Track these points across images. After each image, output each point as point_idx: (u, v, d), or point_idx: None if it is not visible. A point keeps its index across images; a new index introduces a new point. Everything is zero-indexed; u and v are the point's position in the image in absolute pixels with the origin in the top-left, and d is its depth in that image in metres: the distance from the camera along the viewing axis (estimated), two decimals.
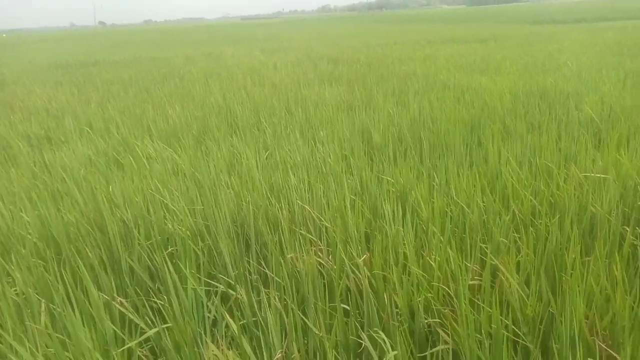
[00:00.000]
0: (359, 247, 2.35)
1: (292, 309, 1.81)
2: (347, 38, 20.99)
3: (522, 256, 2.09)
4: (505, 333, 1.67)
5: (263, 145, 4.27)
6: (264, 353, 1.77)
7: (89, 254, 2.41)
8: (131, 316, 2.00)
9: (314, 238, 2.48)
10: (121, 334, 1.91)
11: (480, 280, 1.94)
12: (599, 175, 2.84)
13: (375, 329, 1.82)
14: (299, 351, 1.73)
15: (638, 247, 2.19)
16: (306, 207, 2.71)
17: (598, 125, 4.31)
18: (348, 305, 1.98)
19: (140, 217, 2.70)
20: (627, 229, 2.31)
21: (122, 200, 2.96)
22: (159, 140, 4.60)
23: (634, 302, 1.80)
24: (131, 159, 4.02)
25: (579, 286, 1.72)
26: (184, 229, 2.55)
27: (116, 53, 18.74)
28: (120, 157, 4.23)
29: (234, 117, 5.46)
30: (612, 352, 1.53)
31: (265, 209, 2.78)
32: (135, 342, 1.80)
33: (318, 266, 2.24)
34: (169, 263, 2.07)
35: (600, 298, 1.81)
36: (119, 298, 2.09)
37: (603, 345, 1.53)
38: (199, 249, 2.39)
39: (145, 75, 10.30)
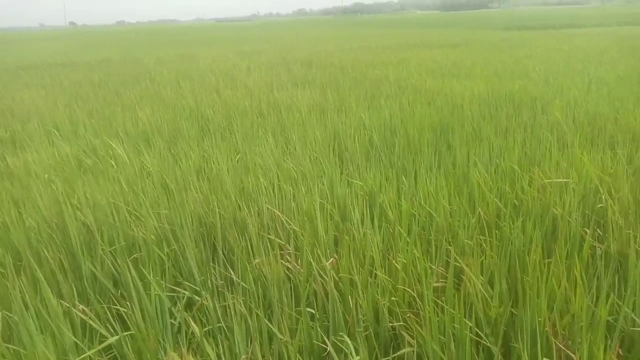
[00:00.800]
0: (327, 251, 2.35)
1: (256, 314, 1.80)
2: (321, 42, 21.06)
3: (485, 258, 2.12)
4: (469, 334, 1.69)
5: (234, 148, 4.24)
6: (228, 358, 1.74)
7: (50, 260, 2.34)
8: (93, 324, 1.96)
9: (282, 242, 2.46)
10: (81, 343, 1.86)
11: (445, 283, 1.96)
12: (560, 180, 2.91)
13: (341, 333, 1.82)
14: (263, 356, 1.71)
15: (597, 248, 2.25)
16: (275, 211, 2.70)
17: (563, 129, 4.42)
18: (316, 309, 1.97)
19: (105, 222, 2.64)
20: (587, 230, 2.37)
21: (86, 204, 2.89)
22: (127, 143, 4.52)
23: (592, 302, 1.85)
24: (98, 162, 3.94)
25: (538, 287, 1.75)
26: (149, 234, 2.51)
27: (86, 54, 18.37)
28: (87, 160, 4.14)
29: (206, 120, 5.41)
30: (569, 352, 1.56)
31: (234, 213, 2.76)
32: (94, 350, 1.75)
33: (286, 270, 2.23)
34: (131, 269, 2.03)
35: (561, 299, 1.85)
36: (81, 306, 2.04)
37: (561, 345, 1.56)
38: (164, 255, 2.35)
39: (116, 77, 10.12)
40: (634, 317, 1.75)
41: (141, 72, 11.01)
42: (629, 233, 2.28)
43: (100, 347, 1.78)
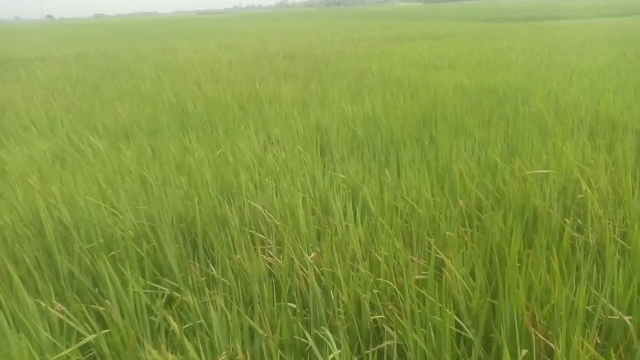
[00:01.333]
0: (309, 245, 2.33)
1: (237, 310, 1.78)
2: (304, 34, 20.94)
3: (466, 249, 2.12)
4: (449, 326, 1.69)
5: (215, 143, 4.19)
6: (208, 355, 1.72)
7: (26, 258, 2.29)
8: (70, 323, 1.92)
9: (264, 237, 2.44)
10: (58, 343, 1.82)
11: (427, 275, 1.96)
12: (541, 171, 2.93)
13: (322, 327, 1.81)
14: (243, 352, 1.69)
15: (577, 239, 2.26)
16: (257, 205, 2.67)
17: (545, 120, 4.45)
18: (298, 303, 1.96)
19: (82, 219, 2.58)
20: (567, 221, 2.39)
21: (63, 201, 2.83)
22: (106, 138, 4.44)
23: (571, 292, 1.86)
24: (76, 157, 3.86)
25: (518, 278, 1.75)
26: (127, 231, 2.46)
27: (64, 48, 18.02)
28: (64, 155, 4.06)
29: (186, 115, 5.34)
30: (548, 342, 1.57)
31: (215, 208, 2.73)
32: (71, 349, 1.72)
33: (267, 265, 2.21)
34: (109, 266, 1.99)
35: (540, 289, 1.86)
36: (58, 304, 2.00)
37: (540, 335, 1.56)
38: (143, 251, 2.31)
39: (94, 71, 9.95)
40: (611, 307, 1.77)
41: (120, 66, 10.83)
42: (608, 223, 2.30)
43: (76, 346, 1.74)
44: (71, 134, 4.65)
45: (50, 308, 1.94)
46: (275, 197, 2.79)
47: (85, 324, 1.92)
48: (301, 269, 2.07)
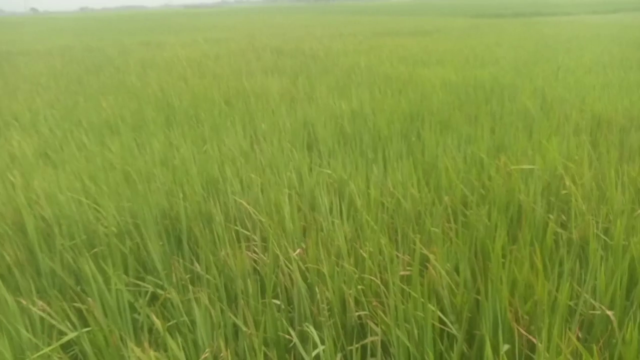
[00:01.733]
0: (295, 241, 2.32)
1: (220, 307, 1.76)
2: (292, 29, 20.85)
3: (451, 245, 2.13)
4: (433, 322, 1.69)
5: (201, 138, 4.15)
6: (192, 352, 1.71)
7: (6, 256, 2.26)
8: (52, 321, 1.89)
9: (249, 233, 2.43)
10: (40, 342, 1.80)
11: (411, 271, 1.96)
12: (525, 167, 2.94)
13: (306, 323, 1.80)
14: (227, 349, 1.68)
15: (560, 235, 2.28)
16: (242, 202, 2.66)
17: (531, 116, 4.48)
18: (283, 300, 1.95)
19: (64, 216, 2.55)
20: (551, 216, 2.40)
21: (45, 197, 2.79)
22: (90, 133, 4.39)
23: (554, 288, 1.87)
24: (60, 152, 3.80)
25: (501, 274, 1.76)
26: (111, 227, 2.43)
27: (48, 42, 17.75)
28: (47, 151, 4.00)
29: (172, 110, 5.29)
30: (530, 337, 1.58)
31: (199, 204, 2.70)
32: (51, 348, 1.69)
33: (252, 262, 2.20)
34: (91, 263, 1.96)
35: (523, 285, 1.87)
36: (40, 302, 1.97)
37: (522, 330, 1.57)
38: (127, 248, 2.29)
39: (79, 65, 9.81)
40: (592, 302, 1.79)
41: (105, 60, 10.70)
42: (591, 219, 2.32)
43: (57, 344, 1.72)
44: (55, 129, 4.58)
45: (31, 306, 1.92)
46: (260, 193, 2.77)
47: (67, 322, 1.89)
48: (286, 265, 2.06)
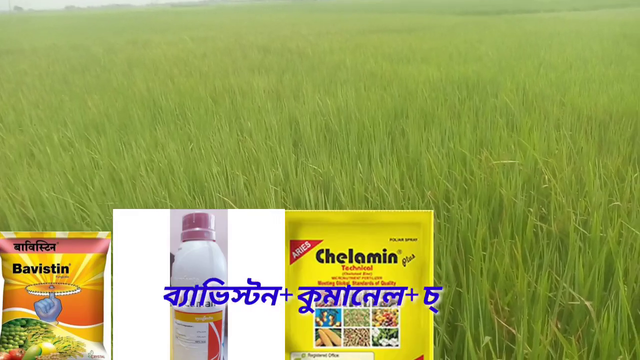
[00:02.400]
0: None
1: None
2: (279, 27, 20.82)
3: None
4: None
5: (187, 136, 4.15)
6: None
7: None
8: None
9: None
10: None
11: None
12: (506, 161, 3.00)
13: None
14: None
15: (540, 227, 2.33)
16: (227, 200, 2.67)
17: (513, 112, 4.54)
18: None
19: (48, 216, 2.55)
20: (531, 210, 2.46)
21: (29, 197, 2.78)
22: (75, 133, 4.36)
23: (534, 279, 1.92)
24: (47, 152, 3.78)
25: (482, 266, 1.80)
26: (96, 227, 2.43)
27: (33, 41, 17.54)
28: (32, 150, 3.97)
29: (158, 108, 5.28)
30: (510, 328, 1.62)
31: (184, 202, 2.71)
32: None
33: None
34: None
35: (503, 277, 1.91)
36: None
37: (502, 322, 1.61)
38: None
39: (64, 64, 9.72)
40: (572, 292, 1.83)
41: (91, 59, 10.61)
42: (570, 212, 2.37)
43: None
44: (40, 128, 4.55)
45: None
46: (245, 191, 2.79)
47: None
48: None
